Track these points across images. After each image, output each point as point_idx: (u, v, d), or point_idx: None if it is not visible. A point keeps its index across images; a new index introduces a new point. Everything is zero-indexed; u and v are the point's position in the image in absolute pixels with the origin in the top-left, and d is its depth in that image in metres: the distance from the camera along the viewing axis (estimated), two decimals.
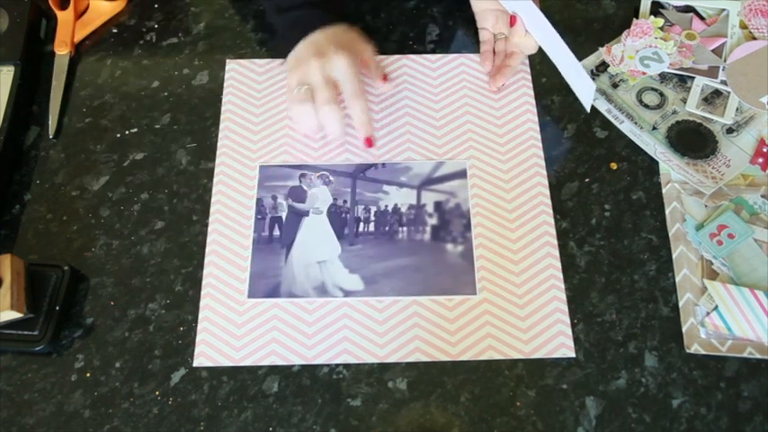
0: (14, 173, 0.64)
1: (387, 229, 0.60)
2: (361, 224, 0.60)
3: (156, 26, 0.73)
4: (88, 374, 0.55)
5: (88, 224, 0.61)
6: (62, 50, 0.69)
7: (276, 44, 0.64)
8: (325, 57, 0.57)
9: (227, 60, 0.70)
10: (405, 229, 0.60)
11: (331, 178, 0.62)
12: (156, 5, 0.74)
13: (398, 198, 0.61)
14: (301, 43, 0.59)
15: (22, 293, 0.53)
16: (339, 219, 0.61)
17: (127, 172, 0.64)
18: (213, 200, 0.62)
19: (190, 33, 0.72)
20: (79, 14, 0.73)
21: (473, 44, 0.70)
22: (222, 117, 0.66)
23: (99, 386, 0.54)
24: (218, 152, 0.64)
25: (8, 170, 0.63)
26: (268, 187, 0.62)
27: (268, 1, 0.64)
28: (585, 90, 0.62)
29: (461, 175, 0.62)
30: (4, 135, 0.62)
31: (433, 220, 0.60)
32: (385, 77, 0.65)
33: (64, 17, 0.71)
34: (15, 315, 0.52)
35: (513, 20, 0.61)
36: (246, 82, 0.68)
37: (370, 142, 0.61)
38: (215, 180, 0.63)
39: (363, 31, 0.72)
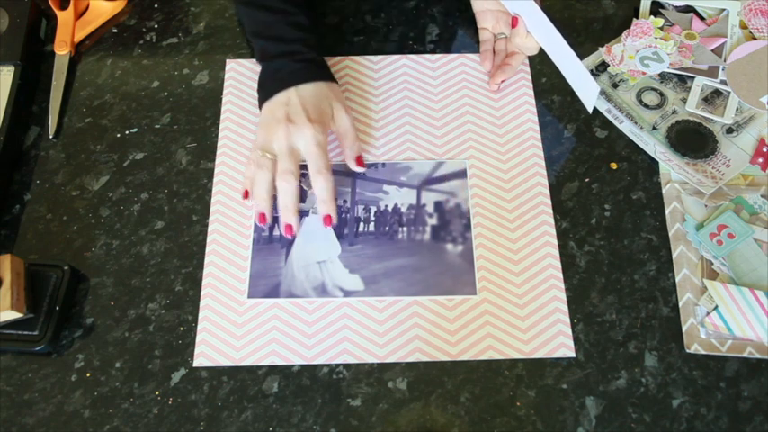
0: (14, 173, 0.64)
1: (387, 229, 0.60)
2: (361, 224, 0.60)
3: (156, 26, 0.73)
4: (88, 374, 0.55)
5: (88, 224, 0.61)
6: (62, 50, 0.69)
7: (258, 88, 0.62)
8: (293, 124, 0.56)
9: (227, 60, 0.70)
10: (405, 229, 0.60)
11: None
12: (156, 5, 0.74)
13: (398, 198, 0.61)
14: (275, 99, 0.58)
15: (22, 293, 0.53)
16: (339, 219, 0.60)
17: (127, 172, 0.64)
18: (213, 200, 0.62)
19: (190, 33, 0.72)
20: (79, 14, 0.73)
21: (473, 44, 0.70)
22: (222, 117, 0.66)
23: (99, 386, 0.54)
24: (218, 152, 0.64)
25: (8, 170, 0.63)
26: None
27: (256, 41, 0.62)
28: (589, 92, 0.62)
29: (461, 174, 0.62)
30: (4, 135, 0.63)
31: (432, 220, 0.60)
32: (359, 160, 0.60)
33: (64, 17, 0.71)
34: (15, 315, 0.52)
35: (514, 21, 0.61)
36: (246, 82, 0.68)
37: (328, 220, 0.57)
38: (215, 180, 0.63)
39: (363, 32, 0.72)
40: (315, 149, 0.56)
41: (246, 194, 0.59)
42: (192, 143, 0.65)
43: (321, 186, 0.56)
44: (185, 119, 0.67)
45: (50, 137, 0.65)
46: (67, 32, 0.70)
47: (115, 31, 0.73)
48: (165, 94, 0.68)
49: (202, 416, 0.53)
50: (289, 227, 0.57)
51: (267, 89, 0.59)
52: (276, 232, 0.60)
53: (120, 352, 0.55)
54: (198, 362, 0.55)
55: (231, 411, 0.53)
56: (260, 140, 0.58)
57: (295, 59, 0.59)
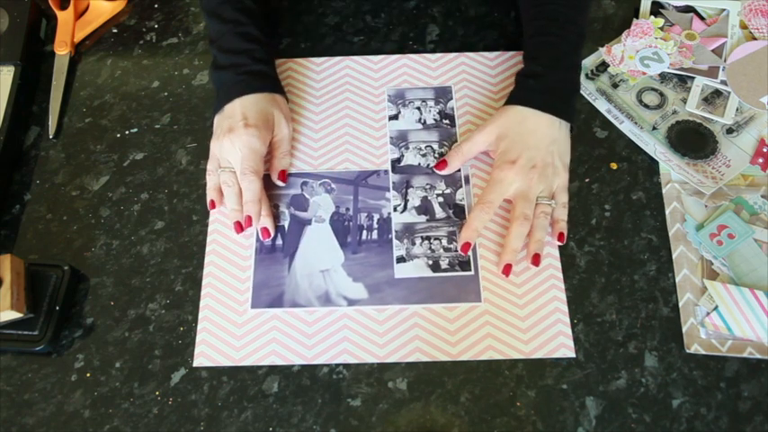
0: (14, 173, 0.64)
1: (390, 236, 0.60)
2: (364, 232, 0.60)
3: (156, 26, 0.73)
4: (88, 374, 0.55)
5: (88, 224, 0.61)
6: (62, 50, 0.69)
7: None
8: (233, 133, 0.57)
9: None
10: None
11: (333, 186, 0.62)
12: (156, 5, 0.74)
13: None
14: (222, 112, 0.60)
15: (22, 293, 0.53)
16: (342, 227, 0.60)
17: (127, 172, 0.64)
18: None
19: (190, 33, 0.72)
20: (79, 14, 0.73)
21: (473, 44, 0.70)
22: None
23: (99, 386, 0.54)
24: None
25: (8, 170, 0.63)
26: (270, 196, 0.61)
27: (211, 50, 0.63)
28: None
29: (464, 180, 0.62)
30: (4, 135, 0.63)
31: None
32: (283, 174, 0.61)
33: (64, 17, 0.71)
34: (15, 315, 0.52)
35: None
36: None
37: (249, 222, 0.57)
38: None
39: (363, 32, 0.72)
40: (245, 152, 0.57)
41: (213, 204, 0.59)
42: (192, 143, 0.65)
43: (244, 187, 0.57)
44: (185, 119, 0.67)
45: (50, 137, 0.65)
46: (67, 32, 0.70)
47: (115, 31, 0.73)
48: (165, 94, 0.68)
49: (202, 416, 0.53)
50: (248, 218, 0.58)
51: (217, 101, 0.61)
52: (279, 241, 0.60)
53: (120, 352, 0.55)
54: (198, 362, 0.55)
55: (231, 411, 0.53)
56: (214, 152, 0.60)
57: (239, 72, 0.60)
